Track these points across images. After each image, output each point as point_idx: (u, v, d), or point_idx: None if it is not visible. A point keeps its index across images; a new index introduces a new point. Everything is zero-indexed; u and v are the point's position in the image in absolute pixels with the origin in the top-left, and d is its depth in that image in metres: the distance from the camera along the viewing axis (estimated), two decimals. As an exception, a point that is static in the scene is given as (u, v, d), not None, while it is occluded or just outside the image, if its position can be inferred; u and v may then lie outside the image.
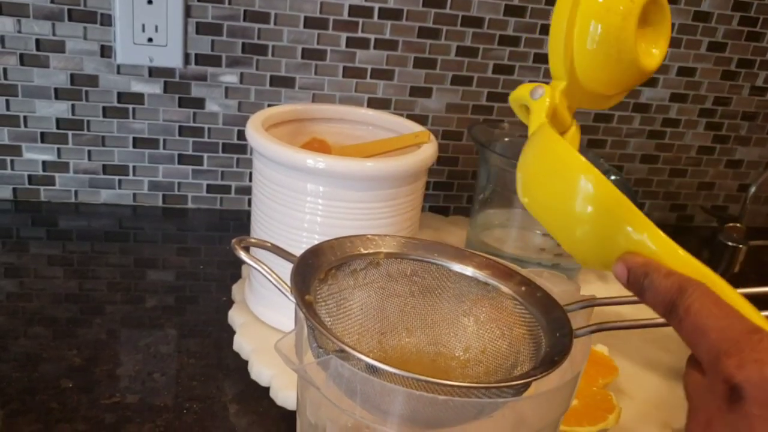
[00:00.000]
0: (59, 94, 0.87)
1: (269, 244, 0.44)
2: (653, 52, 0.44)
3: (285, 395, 0.61)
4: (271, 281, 0.41)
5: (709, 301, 0.31)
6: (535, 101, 0.41)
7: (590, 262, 0.40)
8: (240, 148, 0.94)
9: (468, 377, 0.44)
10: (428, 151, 0.66)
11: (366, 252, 0.46)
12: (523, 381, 0.38)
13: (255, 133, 0.64)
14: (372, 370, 0.36)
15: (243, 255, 0.42)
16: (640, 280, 0.34)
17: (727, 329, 0.28)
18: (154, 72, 0.88)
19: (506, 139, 0.88)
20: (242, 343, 0.66)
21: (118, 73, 0.87)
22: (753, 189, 1.01)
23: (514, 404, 0.38)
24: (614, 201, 0.36)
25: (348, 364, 0.36)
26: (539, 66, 0.97)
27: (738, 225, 0.99)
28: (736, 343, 0.27)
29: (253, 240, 0.44)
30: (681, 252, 0.35)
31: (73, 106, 0.88)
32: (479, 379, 0.44)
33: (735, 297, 0.33)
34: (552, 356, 0.40)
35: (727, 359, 0.27)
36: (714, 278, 0.34)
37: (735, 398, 0.26)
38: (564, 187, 0.37)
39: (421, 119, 0.96)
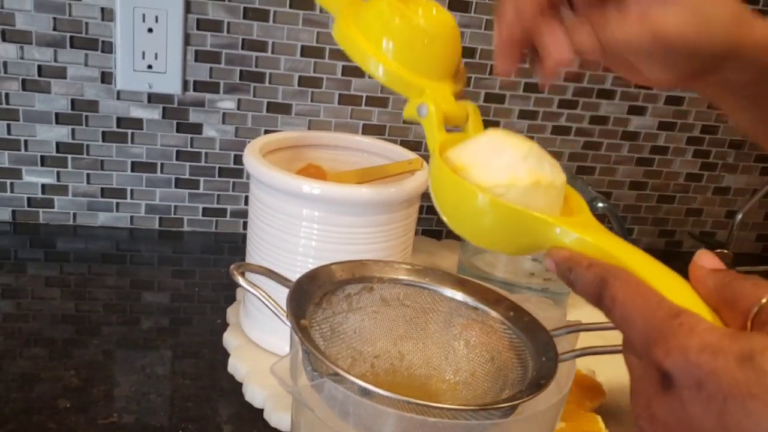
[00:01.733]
0: (60, 118, 0.89)
1: (265, 270, 0.46)
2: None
3: (279, 417, 0.62)
4: (267, 306, 0.43)
5: (631, 290, 0.31)
6: (424, 119, 0.42)
7: (519, 254, 0.41)
8: (236, 172, 0.96)
9: (458, 400, 0.46)
10: (421, 177, 0.68)
11: (360, 277, 0.48)
12: (509, 404, 0.39)
13: (253, 159, 0.66)
14: (365, 392, 0.37)
15: (241, 281, 0.44)
16: (566, 273, 0.35)
17: (650, 317, 0.29)
18: (153, 98, 0.90)
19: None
20: (237, 366, 0.68)
21: (118, 98, 0.89)
22: (740, 216, 1.03)
23: (502, 426, 0.39)
24: (512, 214, 0.37)
25: (341, 387, 0.37)
26: (529, 95, 0.99)
27: (725, 251, 1.01)
28: (661, 331, 0.28)
29: (250, 265, 0.46)
30: (591, 240, 0.36)
31: (73, 130, 0.90)
32: (468, 402, 0.45)
33: (661, 274, 0.33)
34: (538, 380, 0.41)
35: (655, 347, 0.28)
36: (639, 256, 0.34)
37: (667, 384, 0.28)
38: (466, 209, 0.38)
39: (415, 145, 0.98)
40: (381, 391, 0.37)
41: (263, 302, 0.42)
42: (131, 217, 0.96)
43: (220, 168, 0.95)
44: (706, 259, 0.33)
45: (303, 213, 0.64)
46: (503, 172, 0.39)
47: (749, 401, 0.26)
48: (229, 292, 0.83)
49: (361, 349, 0.47)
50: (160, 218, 0.96)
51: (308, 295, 0.45)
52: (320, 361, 0.39)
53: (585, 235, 0.37)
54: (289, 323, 0.41)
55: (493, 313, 0.47)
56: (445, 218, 0.41)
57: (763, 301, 0.29)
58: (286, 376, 0.39)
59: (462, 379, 0.47)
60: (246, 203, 0.98)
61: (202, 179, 0.95)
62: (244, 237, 0.98)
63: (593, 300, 0.34)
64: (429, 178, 0.42)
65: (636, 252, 0.35)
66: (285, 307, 0.43)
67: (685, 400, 0.27)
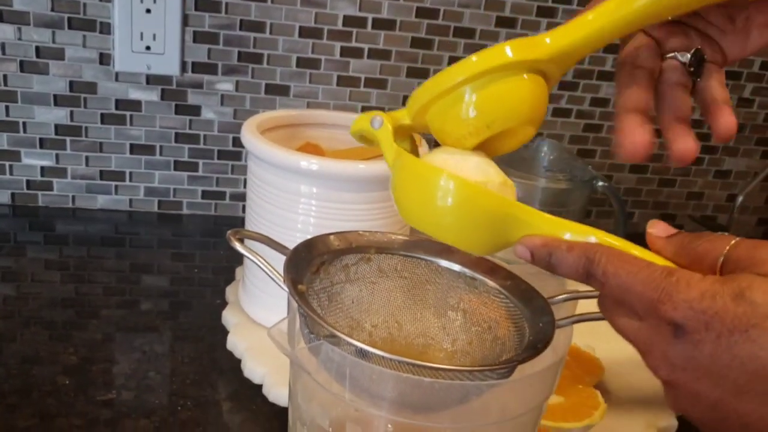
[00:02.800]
0: (58, 100, 0.89)
1: (263, 237, 0.45)
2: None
3: (277, 392, 0.62)
4: (265, 271, 0.43)
5: (618, 260, 0.33)
6: (379, 131, 0.40)
7: (487, 252, 0.39)
8: (235, 154, 0.96)
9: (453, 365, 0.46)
10: (420, 154, 0.68)
11: (357, 247, 0.48)
12: (506, 366, 0.39)
13: (250, 135, 0.66)
14: (362, 354, 0.37)
15: (238, 246, 0.43)
16: (546, 258, 0.36)
17: (647, 280, 0.32)
18: (151, 79, 0.90)
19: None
20: (235, 342, 0.68)
21: (116, 80, 0.89)
22: (740, 199, 1.03)
23: (499, 389, 0.39)
24: (487, 199, 0.36)
25: (339, 348, 0.37)
26: (530, 76, 0.99)
27: (726, 234, 1.00)
28: (663, 289, 0.31)
29: (247, 232, 0.45)
30: (565, 224, 0.36)
31: (71, 112, 0.89)
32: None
33: (632, 248, 0.35)
34: (535, 344, 0.41)
35: (662, 306, 0.31)
36: (609, 238, 0.35)
37: (680, 333, 0.31)
38: (440, 202, 0.36)
39: (413, 128, 0.98)
40: (378, 352, 0.36)
41: (259, 266, 0.42)
42: (130, 200, 0.96)
43: (218, 150, 0.95)
44: (659, 228, 0.36)
45: (301, 189, 0.64)
46: (476, 171, 0.38)
47: (751, 330, 0.29)
48: (228, 275, 0.83)
49: (359, 318, 0.47)
50: (159, 201, 0.96)
51: (305, 263, 0.45)
52: (318, 324, 0.39)
53: (558, 222, 0.37)
54: (286, 288, 0.41)
55: (491, 283, 0.47)
56: (410, 223, 0.39)
57: (726, 251, 0.33)
58: (284, 340, 0.39)
59: (460, 348, 0.47)
60: (245, 186, 0.97)
61: (201, 162, 0.95)
62: (243, 220, 0.98)
63: (581, 278, 0.35)
64: (392, 179, 0.39)
65: (606, 234, 0.36)
66: (282, 273, 0.42)
67: (698, 342, 0.31)
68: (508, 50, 0.36)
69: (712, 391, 0.31)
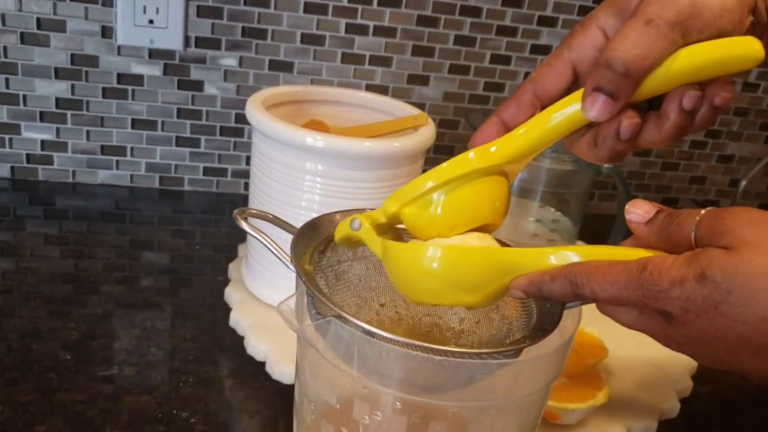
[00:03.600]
0: (59, 73, 0.88)
1: (270, 215, 0.45)
2: None
3: (281, 370, 0.62)
4: (271, 250, 0.42)
5: (597, 274, 0.35)
6: (360, 232, 0.41)
7: (492, 302, 0.41)
8: (237, 131, 0.95)
9: (462, 347, 0.45)
10: (427, 133, 0.67)
11: None
12: (514, 348, 0.39)
13: (255, 111, 0.65)
14: (369, 335, 0.37)
15: (244, 225, 0.43)
16: (537, 293, 0.38)
17: (628, 282, 0.34)
18: (154, 54, 0.89)
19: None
20: (238, 320, 0.67)
21: (119, 54, 0.88)
22: (743, 184, 1.02)
23: (507, 369, 0.39)
24: (473, 255, 0.38)
25: (347, 326, 0.37)
26: (535, 57, 0.98)
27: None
28: (643, 287, 0.34)
29: (254, 211, 0.45)
30: (547, 251, 0.38)
31: (72, 86, 0.88)
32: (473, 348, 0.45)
33: (602, 251, 0.37)
34: (542, 325, 0.41)
35: (647, 300, 0.34)
36: (587, 250, 0.37)
37: (669, 318, 0.34)
38: (434, 272, 0.38)
39: (418, 107, 0.97)
40: (385, 334, 0.36)
41: (266, 246, 0.42)
42: (131, 176, 0.95)
43: (221, 127, 0.94)
44: (638, 213, 0.37)
45: (306, 166, 0.63)
46: (456, 240, 0.40)
47: (719, 306, 0.32)
48: (229, 253, 0.83)
49: (366, 296, 0.47)
50: (160, 177, 0.96)
51: (312, 242, 0.44)
52: (324, 305, 0.39)
53: (539, 251, 0.38)
54: (293, 267, 0.41)
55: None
56: (413, 294, 0.40)
57: (694, 226, 0.34)
58: (292, 317, 0.39)
59: (467, 327, 0.47)
60: (247, 163, 0.97)
61: (202, 138, 0.94)
62: (245, 198, 0.98)
63: (574, 300, 0.38)
64: (387, 269, 0.41)
65: (583, 246, 0.38)
66: (288, 253, 0.42)
67: (685, 324, 0.33)
68: (472, 156, 0.40)
69: (713, 354, 0.34)
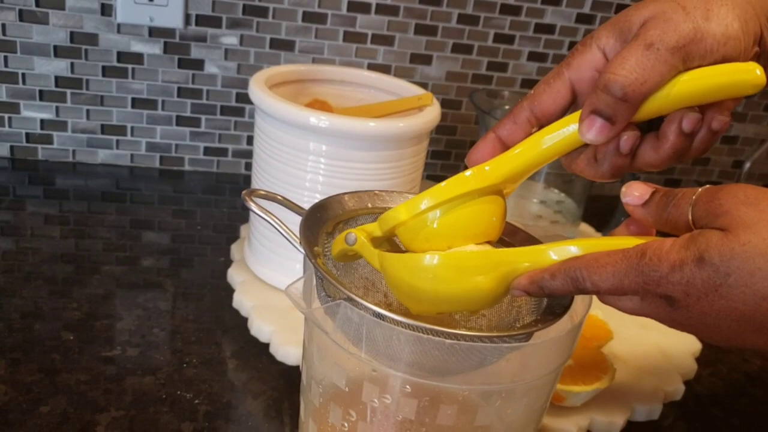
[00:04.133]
0: (58, 51, 0.86)
1: (279, 197, 0.44)
2: None
3: (285, 351, 0.61)
4: (280, 232, 0.42)
5: (597, 266, 0.35)
6: (356, 246, 0.41)
7: (495, 303, 0.41)
8: (238, 110, 0.94)
9: (472, 331, 0.45)
10: (432, 113, 0.67)
11: (373, 207, 0.47)
12: (525, 331, 0.38)
13: (258, 90, 0.64)
14: (379, 317, 0.37)
15: (253, 206, 0.42)
16: (539, 291, 0.38)
17: (628, 270, 0.34)
18: (154, 32, 0.87)
19: (506, 107, 0.88)
20: (242, 301, 0.67)
21: (118, 32, 0.87)
22: (747, 165, 1.02)
23: (516, 353, 0.38)
24: (472, 258, 0.38)
25: (357, 309, 0.36)
26: (539, 36, 0.97)
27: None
28: (643, 274, 0.34)
29: (263, 192, 0.44)
30: (545, 247, 0.38)
31: (72, 64, 0.87)
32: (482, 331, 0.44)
33: (598, 243, 0.37)
34: (553, 309, 0.40)
35: (648, 287, 0.34)
36: (585, 242, 0.37)
37: (671, 302, 0.34)
38: (434, 279, 0.38)
39: (420, 87, 0.96)
40: (396, 317, 0.36)
41: (276, 228, 0.41)
42: (131, 155, 0.94)
43: (221, 106, 0.93)
44: (634, 195, 0.37)
45: (310, 146, 0.62)
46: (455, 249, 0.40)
47: (719, 289, 0.32)
48: (230, 233, 0.82)
49: (374, 279, 0.46)
50: (160, 157, 0.95)
51: (320, 224, 0.44)
52: (334, 287, 0.38)
53: (538, 249, 0.38)
54: (302, 250, 0.40)
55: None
56: (414, 304, 0.40)
57: (690, 206, 0.35)
58: (300, 299, 0.38)
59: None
60: (248, 143, 0.96)
61: (203, 117, 0.93)
62: (245, 178, 0.98)
63: (578, 294, 0.38)
64: (386, 281, 0.41)
65: (581, 240, 0.38)
66: (297, 234, 0.41)
67: (687, 307, 0.34)
68: (469, 175, 0.39)
69: (717, 335, 0.35)
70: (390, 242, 0.44)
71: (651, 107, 0.37)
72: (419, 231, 0.39)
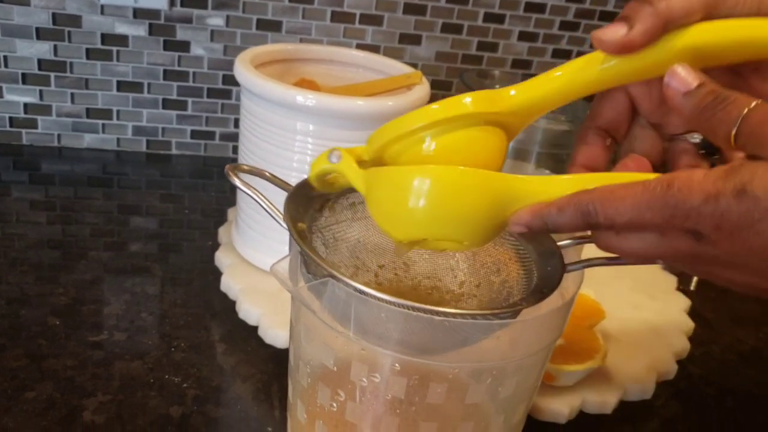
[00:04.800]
0: (41, 34, 0.85)
1: (266, 173, 0.44)
2: None
3: (274, 334, 0.61)
4: (263, 207, 0.41)
5: (613, 198, 0.32)
6: (339, 164, 0.38)
7: (489, 239, 0.39)
8: (225, 93, 0.93)
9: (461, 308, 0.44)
10: (421, 92, 0.66)
11: None
12: (512, 309, 0.38)
13: (244, 69, 0.63)
14: (364, 296, 0.36)
15: (237, 181, 0.42)
16: (542, 227, 0.35)
17: (651, 202, 0.31)
18: (138, 13, 0.86)
19: (497, 87, 0.87)
20: (230, 284, 0.66)
21: (102, 13, 0.85)
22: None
23: (506, 330, 0.38)
24: (479, 178, 0.35)
25: (344, 286, 0.35)
26: (530, 15, 0.96)
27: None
28: (669, 205, 0.31)
29: (246, 167, 0.43)
30: (553, 179, 0.35)
31: (55, 46, 0.86)
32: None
33: (614, 176, 0.34)
34: (542, 288, 0.40)
35: (674, 220, 0.31)
36: (596, 178, 0.34)
37: (698, 237, 0.32)
38: (428, 197, 0.35)
39: (410, 67, 0.95)
40: (379, 294, 0.35)
41: (259, 203, 0.40)
42: (118, 139, 0.93)
43: (208, 89, 0.92)
44: (678, 81, 0.34)
45: (297, 126, 0.61)
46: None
47: (758, 224, 0.30)
48: (218, 217, 0.81)
49: (364, 258, 0.45)
50: (147, 141, 0.94)
51: (308, 200, 0.43)
52: (318, 266, 0.37)
53: (545, 179, 0.35)
54: (285, 225, 0.39)
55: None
56: (401, 228, 0.37)
57: (739, 122, 0.31)
58: (286, 278, 0.37)
59: (467, 290, 0.46)
60: (236, 126, 0.95)
61: (190, 100, 0.92)
62: (233, 161, 0.96)
63: (585, 230, 0.35)
64: (369, 203, 0.37)
65: (591, 175, 0.35)
66: (282, 211, 0.41)
67: (716, 242, 0.31)
68: (468, 101, 0.36)
69: (741, 278, 0.33)
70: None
71: (670, 49, 0.34)
72: (407, 151, 0.37)
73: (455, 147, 0.36)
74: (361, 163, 0.38)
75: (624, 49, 0.35)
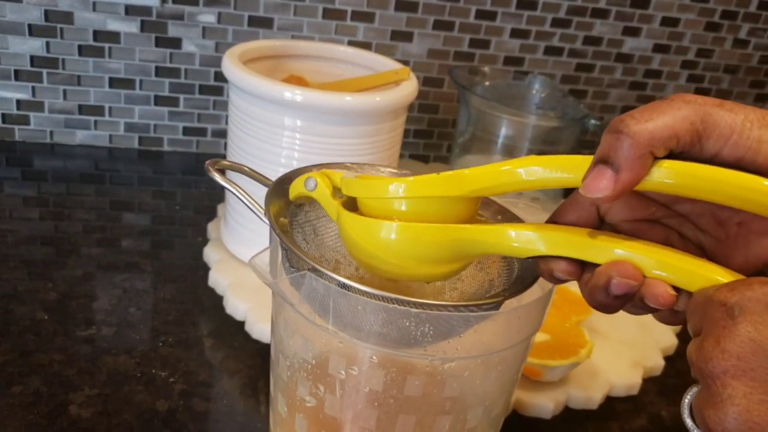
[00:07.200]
0: (33, 30, 0.85)
1: (246, 168, 0.44)
2: None
3: (260, 329, 0.61)
4: (244, 201, 0.41)
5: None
6: (314, 193, 0.39)
7: (453, 275, 0.40)
8: (216, 89, 0.93)
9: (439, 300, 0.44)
10: (409, 87, 0.66)
11: None
12: (492, 301, 0.38)
13: (232, 65, 0.63)
14: (345, 288, 0.36)
15: (217, 176, 0.42)
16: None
17: None
18: (130, 10, 0.86)
19: (487, 83, 0.87)
20: (218, 279, 0.66)
21: (94, 10, 0.85)
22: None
23: (485, 323, 0.38)
24: (438, 233, 0.36)
25: (322, 279, 0.36)
26: (522, 12, 0.96)
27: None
28: None
29: (227, 162, 0.44)
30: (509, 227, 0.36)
31: (47, 43, 0.86)
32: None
33: (560, 230, 0.35)
34: (523, 279, 0.40)
35: (717, 291, 0.29)
36: (540, 228, 0.35)
37: (735, 314, 0.28)
38: (390, 248, 0.37)
39: (402, 64, 0.95)
40: (359, 286, 0.35)
41: (240, 198, 0.41)
42: (110, 136, 0.93)
43: (200, 85, 0.92)
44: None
45: (285, 122, 0.62)
46: None
47: None
48: (210, 214, 0.81)
49: (345, 252, 0.46)
50: (139, 137, 0.94)
51: (289, 195, 0.43)
52: (300, 259, 0.37)
53: (499, 230, 0.36)
54: (266, 220, 0.39)
55: (482, 217, 0.45)
56: (367, 266, 0.38)
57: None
58: (265, 271, 0.38)
59: (449, 284, 0.46)
60: (227, 123, 0.95)
61: (181, 97, 0.92)
62: (224, 158, 0.96)
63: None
64: (343, 236, 0.39)
65: (531, 225, 0.36)
66: (263, 206, 0.41)
67: (756, 323, 0.28)
68: (437, 184, 0.37)
69: None
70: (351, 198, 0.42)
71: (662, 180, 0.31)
72: (382, 209, 0.38)
73: (423, 209, 0.37)
74: (335, 190, 0.40)
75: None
